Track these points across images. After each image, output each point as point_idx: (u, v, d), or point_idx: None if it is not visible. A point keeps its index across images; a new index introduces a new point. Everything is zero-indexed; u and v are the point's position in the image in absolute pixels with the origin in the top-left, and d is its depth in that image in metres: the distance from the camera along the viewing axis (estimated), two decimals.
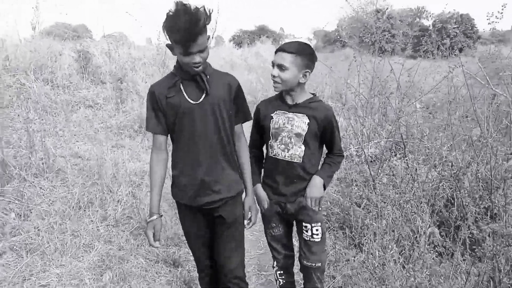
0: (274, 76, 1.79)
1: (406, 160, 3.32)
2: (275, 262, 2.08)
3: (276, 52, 1.80)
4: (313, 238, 1.92)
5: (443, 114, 4.10)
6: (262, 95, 9.10)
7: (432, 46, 4.84)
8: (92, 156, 4.25)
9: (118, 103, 6.27)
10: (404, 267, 2.30)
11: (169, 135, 1.77)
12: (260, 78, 11.25)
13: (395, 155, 4.06)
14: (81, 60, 7.04)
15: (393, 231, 2.65)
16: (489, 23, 3.18)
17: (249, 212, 1.90)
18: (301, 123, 1.82)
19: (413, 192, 2.82)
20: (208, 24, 1.57)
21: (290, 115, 1.85)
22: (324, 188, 1.89)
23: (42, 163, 3.59)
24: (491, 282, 2.09)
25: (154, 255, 2.83)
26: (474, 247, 2.23)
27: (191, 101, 1.66)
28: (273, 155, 1.89)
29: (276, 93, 1.92)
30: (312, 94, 1.91)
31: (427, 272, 2.19)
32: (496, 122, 3.78)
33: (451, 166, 3.00)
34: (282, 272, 2.08)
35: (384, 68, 4.54)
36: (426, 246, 2.38)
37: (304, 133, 1.82)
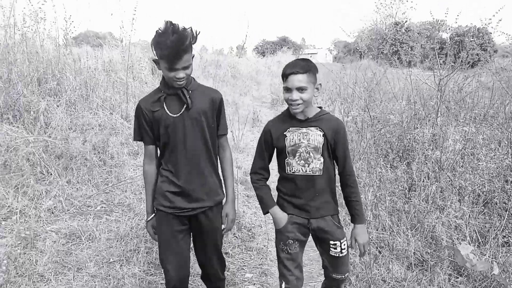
0: (294, 100, 1.79)
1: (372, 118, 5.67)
2: (283, 284, 1.99)
3: (287, 77, 1.79)
4: (342, 253, 1.94)
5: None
6: None
7: (447, 59, 5.48)
8: None
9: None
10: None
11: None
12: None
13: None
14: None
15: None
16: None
17: (226, 218, 1.99)
18: (316, 136, 1.85)
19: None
20: (194, 43, 1.72)
21: (304, 130, 1.87)
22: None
23: None
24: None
25: None
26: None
27: (172, 115, 1.80)
28: (292, 172, 1.90)
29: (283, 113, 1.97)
30: (319, 107, 1.95)
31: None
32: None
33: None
34: None
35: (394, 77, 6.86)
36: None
37: (321, 146, 1.85)
